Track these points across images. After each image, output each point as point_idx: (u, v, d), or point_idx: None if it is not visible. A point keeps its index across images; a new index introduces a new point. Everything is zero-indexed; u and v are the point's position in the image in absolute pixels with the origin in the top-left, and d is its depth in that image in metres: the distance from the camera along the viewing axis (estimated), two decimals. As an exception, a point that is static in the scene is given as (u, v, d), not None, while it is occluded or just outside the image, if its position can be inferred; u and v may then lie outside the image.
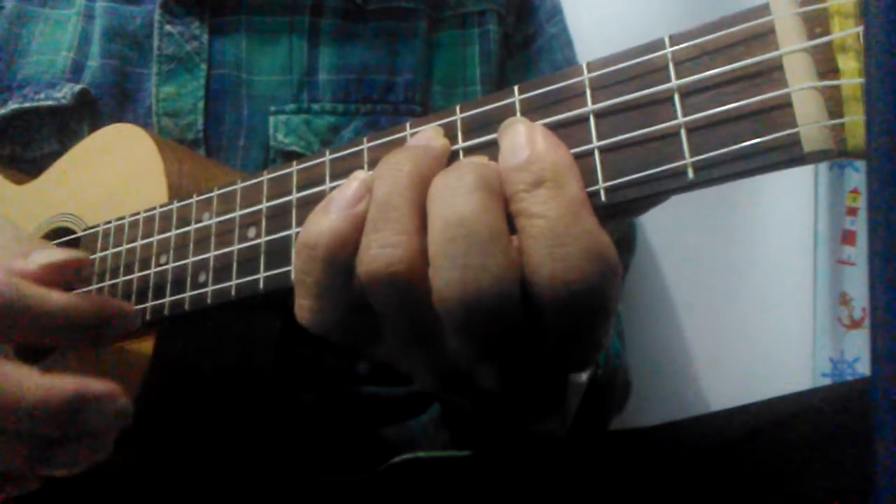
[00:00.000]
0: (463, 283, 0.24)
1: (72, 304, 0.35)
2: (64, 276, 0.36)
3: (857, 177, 0.74)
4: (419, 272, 0.26)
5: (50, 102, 0.52)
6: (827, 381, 0.71)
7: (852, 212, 0.74)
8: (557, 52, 0.63)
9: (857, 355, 0.72)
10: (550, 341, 0.26)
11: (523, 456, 0.45)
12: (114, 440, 0.34)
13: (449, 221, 0.25)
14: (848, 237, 0.74)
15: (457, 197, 0.25)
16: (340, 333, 0.29)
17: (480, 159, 0.27)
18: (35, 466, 0.33)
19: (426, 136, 0.29)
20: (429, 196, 0.26)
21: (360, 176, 0.29)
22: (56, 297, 0.34)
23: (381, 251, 0.26)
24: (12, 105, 0.53)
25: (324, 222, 0.28)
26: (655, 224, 0.74)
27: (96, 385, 0.31)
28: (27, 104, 0.52)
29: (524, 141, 0.26)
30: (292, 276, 0.32)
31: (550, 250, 0.24)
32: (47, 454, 0.32)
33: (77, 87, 0.52)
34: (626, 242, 0.65)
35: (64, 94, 0.52)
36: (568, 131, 0.26)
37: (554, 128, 0.26)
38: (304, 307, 0.29)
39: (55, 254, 0.36)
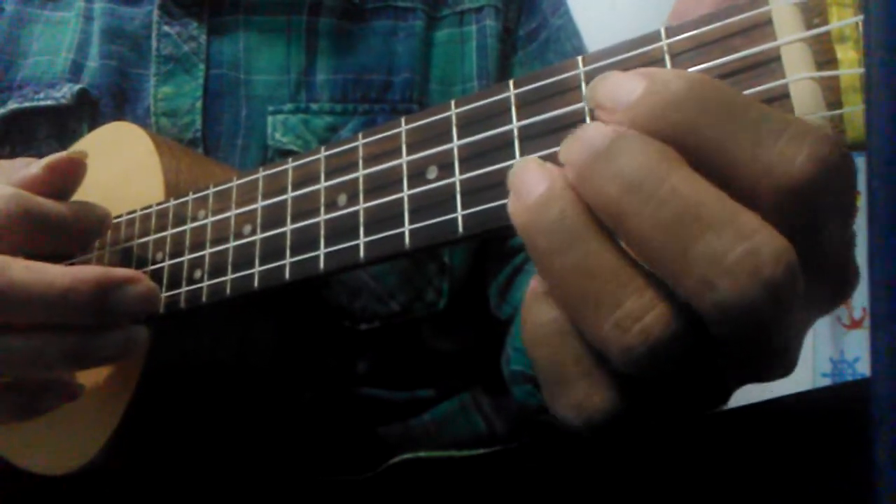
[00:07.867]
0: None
1: (74, 209, 0.36)
2: (65, 176, 0.37)
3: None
4: None
5: (49, 102, 0.52)
6: (827, 381, 0.71)
7: (853, 212, 0.73)
8: (565, 42, 0.61)
9: (857, 355, 0.72)
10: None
11: (525, 455, 0.45)
12: (147, 335, 0.35)
13: None
14: (849, 237, 0.73)
15: None
16: None
17: None
18: (77, 362, 0.34)
19: None
20: None
21: None
22: (54, 204, 0.36)
23: None
24: (12, 105, 0.53)
25: None
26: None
27: (119, 271, 0.34)
28: (27, 104, 0.53)
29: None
30: (320, 264, 0.31)
31: None
32: (87, 347, 0.33)
33: (76, 87, 0.52)
34: None
35: (63, 93, 0.52)
36: (564, 125, 0.26)
37: (549, 122, 0.26)
38: None
39: (54, 157, 0.37)
